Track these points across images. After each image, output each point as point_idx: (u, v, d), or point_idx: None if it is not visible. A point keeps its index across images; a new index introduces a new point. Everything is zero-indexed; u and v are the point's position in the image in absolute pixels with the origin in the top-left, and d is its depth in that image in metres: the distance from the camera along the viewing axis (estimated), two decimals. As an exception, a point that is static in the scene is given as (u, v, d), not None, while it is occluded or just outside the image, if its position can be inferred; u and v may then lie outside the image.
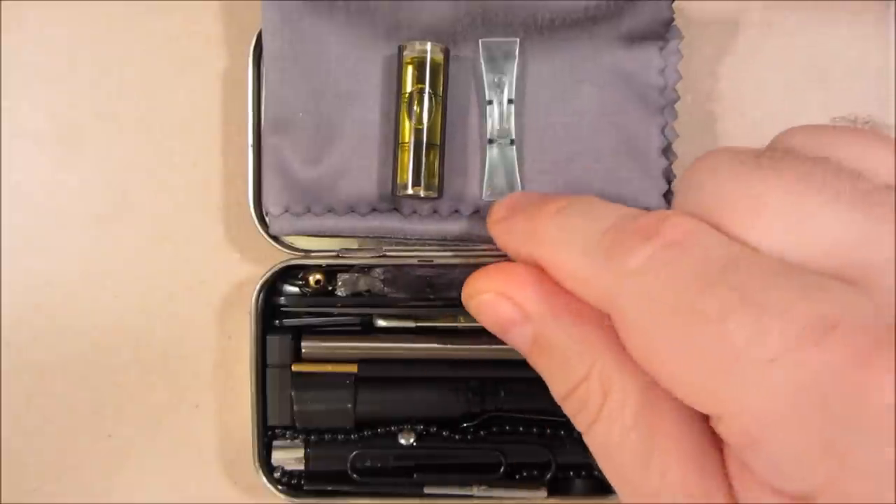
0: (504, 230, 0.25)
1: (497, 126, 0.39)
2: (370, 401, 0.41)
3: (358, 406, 0.41)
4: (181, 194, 0.43)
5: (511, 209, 0.24)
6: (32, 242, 0.43)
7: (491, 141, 0.39)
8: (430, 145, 0.38)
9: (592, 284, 0.20)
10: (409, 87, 0.38)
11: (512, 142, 0.39)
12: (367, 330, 0.42)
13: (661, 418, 0.19)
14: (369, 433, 0.41)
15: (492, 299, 0.24)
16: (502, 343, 0.42)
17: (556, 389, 0.23)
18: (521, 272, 0.23)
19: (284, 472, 0.42)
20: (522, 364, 0.42)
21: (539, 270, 0.22)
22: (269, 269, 0.41)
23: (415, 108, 0.38)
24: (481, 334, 0.42)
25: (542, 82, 0.39)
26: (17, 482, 0.44)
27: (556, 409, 0.41)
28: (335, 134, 0.39)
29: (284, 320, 0.42)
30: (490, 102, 0.39)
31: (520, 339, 0.24)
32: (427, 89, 0.38)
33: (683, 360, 0.17)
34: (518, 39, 0.39)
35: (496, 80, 0.39)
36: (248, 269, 0.44)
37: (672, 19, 0.38)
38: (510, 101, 0.39)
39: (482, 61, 0.39)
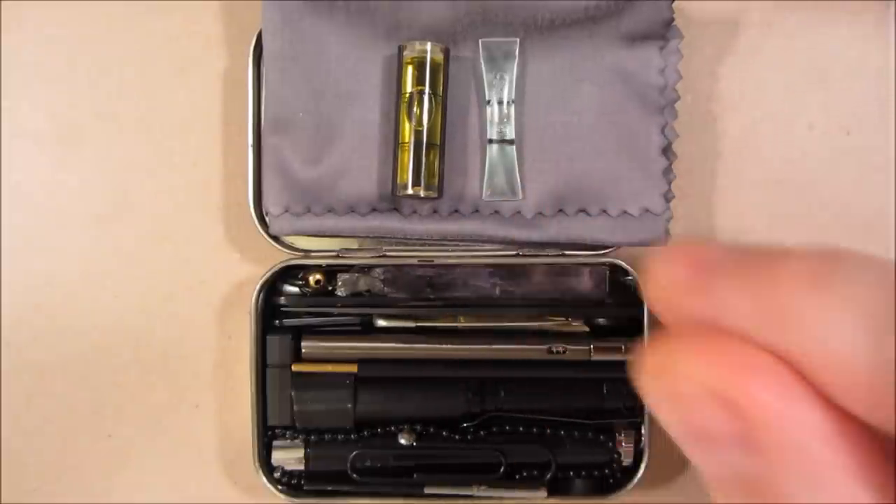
0: (699, 299, 0.15)
1: (497, 126, 0.39)
2: (370, 401, 0.41)
3: (358, 406, 0.41)
4: (181, 194, 0.43)
5: (697, 267, 0.15)
6: (32, 242, 0.43)
7: (491, 141, 0.39)
8: (430, 145, 0.38)
9: None
10: (409, 87, 0.38)
11: (511, 142, 0.39)
12: (367, 330, 0.42)
13: None
14: (369, 433, 0.41)
15: (701, 397, 0.14)
16: (502, 343, 0.42)
17: None
18: (767, 368, 0.13)
19: (284, 472, 0.42)
20: (522, 364, 0.42)
21: (794, 371, 0.13)
22: (269, 269, 0.41)
23: (415, 109, 0.38)
24: (481, 334, 0.42)
25: (542, 82, 0.39)
26: (17, 482, 0.44)
27: (556, 409, 0.42)
28: (335, 134, 0.39)
29: (284, 320, 0.42)
30: (490, 102, 0.39)
31: (719, 464, 0.14)
32: (427, 91, 0.38)
33: None
34: (518, 39, 0.39)
35: (496, 80, 0.39)
36: (248, 269, 0.43)
37: (672, 19, 0.38)
38: (510, 102, 0.39)
39: (482, 61, 0.39)
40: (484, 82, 0.39)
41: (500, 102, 0.39)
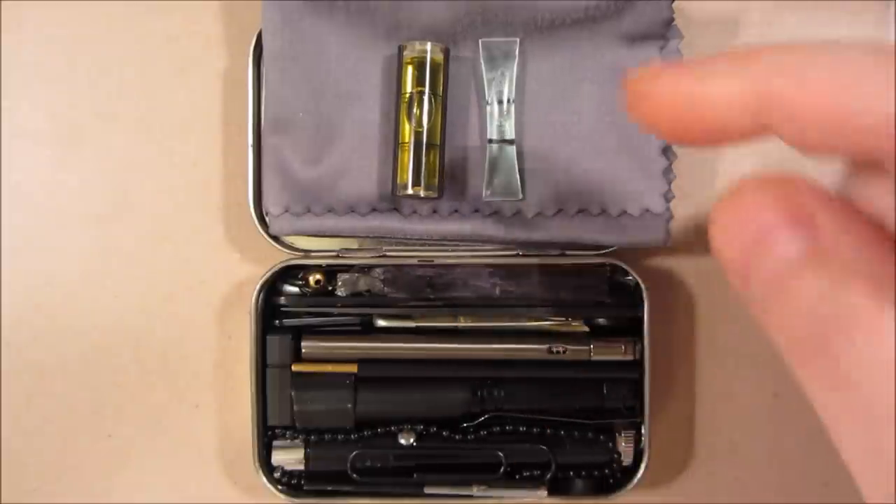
0: (688, 79, 0.17)
1: (497, 126, 0.39)
2: (370, 401, 0.41)
3: (358, 406, 0.41)
4: (181, 194, 0.43)
5: (687, 65, 0.18)
6: (32, 242, 0.43)
7: (491, 141, 0.39)
8: (430, 145, 0.38)
9: None
10: (409, 88, 0.38)
11: (511, 141, 0.39)
12: (367, 330, 0.42)
13: None
14: (369, 433, 0.41)
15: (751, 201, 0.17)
16: (502, 343, 0.42)
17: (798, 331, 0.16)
18: (790, 180, 0.17)
19: (284, 472, 0.42)
20: (522, 364, 0.42)
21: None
22: (269, 269, 0.41)
23: (414, 110, 0.38)
24: (481, 334, 0.42)
25: (542, 81, 0.39)
26: (17, 482, 0.44)
27: (556, 409, 0.42)
28: (335, 134, 0.39)
29: (284, 320, 0.42)
30: (490, 102, 0.39)
31: (779, 255, 0.16)
32: (427, 92, 0.38)
33: None
34: (518, 39, 0.39)
35: (496, 79, 0.39)
36: (248, 269, 0.44)
37: (672, 19, 0.38)
38: (510, 101, 0.39)
39: (482, 61, 0.39)
40: (484, 82, 0.39)
41: (500, 102, 0.39)
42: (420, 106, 0.38)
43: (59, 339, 0.44)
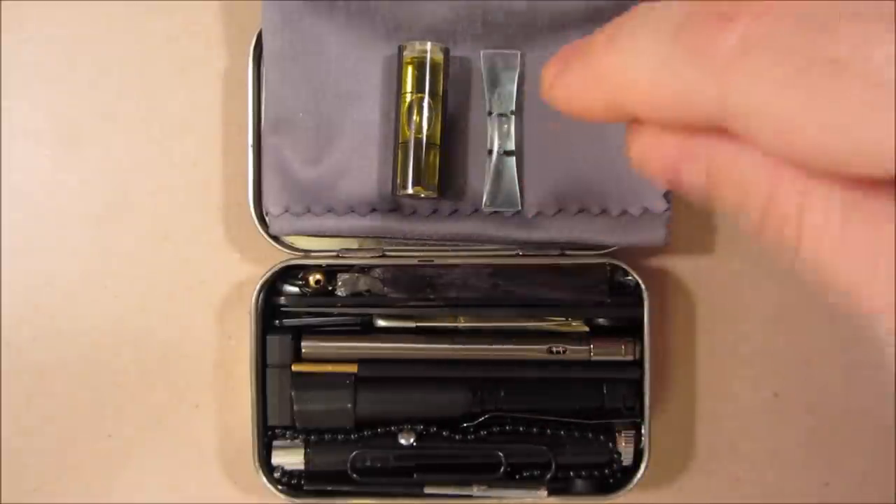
0: (564, 91, 0.20)
1: (498, 138, 0.39)
2: (370, 401, 0.41)
3: (358, 406, 0.41)
4: (181, 194, 0.43)
5: (563, 61, 0.20)
6: (32, 242, 0.43)
7: (490, 152, 0.39)
8: (430, 145, 0.38)
9: (687, 95, 0.16)
10: (409, 88, 0.38)
11: (512, 153, 0.39)
12: (367, 330, 0.42)
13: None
14: (369, 433, 0.41)
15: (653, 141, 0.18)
16: (502, 343, 0.42)
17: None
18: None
19: (284, 472, 0.42)
20: (522, 364, 0.42)
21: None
22: (269, 269, 0.41)
23: (414, 117, 0.38)
24: (481, 334, 0.42)
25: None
26: (17, 482, 0.44)
27: (555, 409, 0.42)
28: (335, 134, 0.39)
29: (284, 320, 0.42)
30: (491, 114, 0.39)
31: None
32: (426, 98, 0.38)
33: (835, 116, 0.14)
34: (519, 53, 0.39)
35: (497, 92, 0.39)
36: (248, 269, 0.44)
37: (672, 19, 0.38)
38: (511, 113, 0.39)
39: (483, 71, 0.39)
40: (485, 93, 0.39)
41: (501, 114, 0.39)
42: (420, 113, 0.38)
43: (59, 339, 0.44)
